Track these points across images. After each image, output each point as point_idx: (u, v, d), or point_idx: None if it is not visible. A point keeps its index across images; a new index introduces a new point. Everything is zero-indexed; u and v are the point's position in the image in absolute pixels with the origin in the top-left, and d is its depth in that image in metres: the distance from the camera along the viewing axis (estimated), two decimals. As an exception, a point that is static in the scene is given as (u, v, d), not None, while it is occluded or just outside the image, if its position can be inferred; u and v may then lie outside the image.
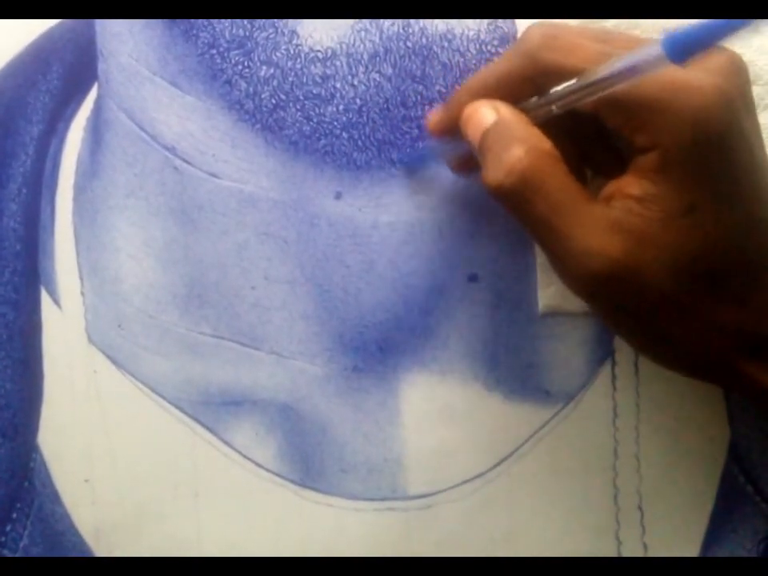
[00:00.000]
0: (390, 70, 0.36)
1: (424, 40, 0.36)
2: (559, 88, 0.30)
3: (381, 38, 0.36)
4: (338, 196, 0.37)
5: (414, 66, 0.36)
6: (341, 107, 0.37)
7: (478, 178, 0.32)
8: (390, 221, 0.37)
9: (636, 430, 0.37)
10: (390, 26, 0.36)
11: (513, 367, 0.37)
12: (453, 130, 0.33)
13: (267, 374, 0.37)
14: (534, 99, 0.31)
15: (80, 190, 0.38)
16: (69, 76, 0.38)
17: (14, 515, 0.38)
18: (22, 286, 0.38)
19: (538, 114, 0.31)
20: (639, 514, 0.37)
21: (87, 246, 0.38)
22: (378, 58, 0.36)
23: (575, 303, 0.35)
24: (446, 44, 0.36)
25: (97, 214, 0.38)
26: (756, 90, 0.34)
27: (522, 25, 0.36)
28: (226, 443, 0.37)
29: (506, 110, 0.31)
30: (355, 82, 0.36)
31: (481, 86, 0.32)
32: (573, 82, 0.29)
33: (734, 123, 0.28)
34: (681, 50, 0.25)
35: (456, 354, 0.37)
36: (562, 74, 0.30)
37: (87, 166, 0.38)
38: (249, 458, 0.37)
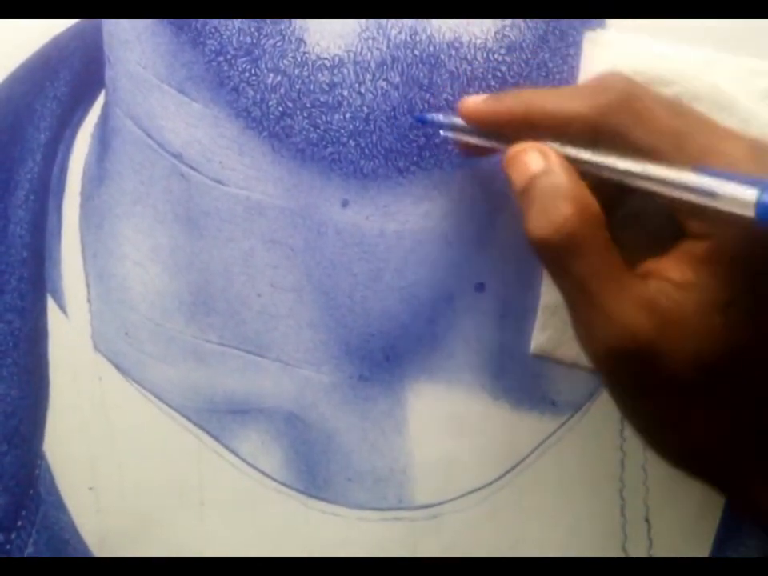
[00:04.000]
0: (398, 78, 0.36)
1: (431, 48, 0.36)
2: (622, 164, 0.29)
3: (388, 46, 0.36)
4: (345, 204, 0.37)
5: (422, 74, 0.36)
6: (348, 115, 0.36)
7: (483, 162, 0.31)
8: (396, 229, 0.37)
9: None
10: (398, 33, 0.36)
11: (519, 377, 0.37)
12: (487, 123, 0.32)
13: (273, 382, 0.37)
14: (588, 154, 0.30)
15: (87, 197, 0.38)
16: (76, 83, 0.38)
17: (20, 523, 0.38)
18: (28, 293, 0.38)
19: (586, 170, 0.30)
20: (646, 526, 0.37)
21: (94, 253, 0.38)
22: (385, 66, 0.36)
23: (567, 354, 0.35)
24: (453, 52, 0.36)
25: (103, 221, 0.38)
26: None
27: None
28: (232, 451, 0.37)
29: (556, 160, 0.30)
30: (362, 90, 0.36)
31: (540, 108, 0.31)
32: (640, 166, 0.28)
33: None
34: None
35: (463, 363, 0.37)
36: (625, 143, 0.29)
37: (94, 173, 0.38)
38: (255, 467, 0.37)
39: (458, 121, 0.34)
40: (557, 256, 0.29)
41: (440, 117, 0.35)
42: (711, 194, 0.25)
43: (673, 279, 0.28)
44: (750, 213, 0.24)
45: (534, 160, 0.30)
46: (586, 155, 0.30)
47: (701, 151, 0.27)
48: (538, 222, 0.29)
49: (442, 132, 0.35)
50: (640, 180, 0.28)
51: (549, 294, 0.36)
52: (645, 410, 0.30)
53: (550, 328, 0.36)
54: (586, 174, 0.30)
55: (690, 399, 0.28)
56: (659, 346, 0.28)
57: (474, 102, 0.33)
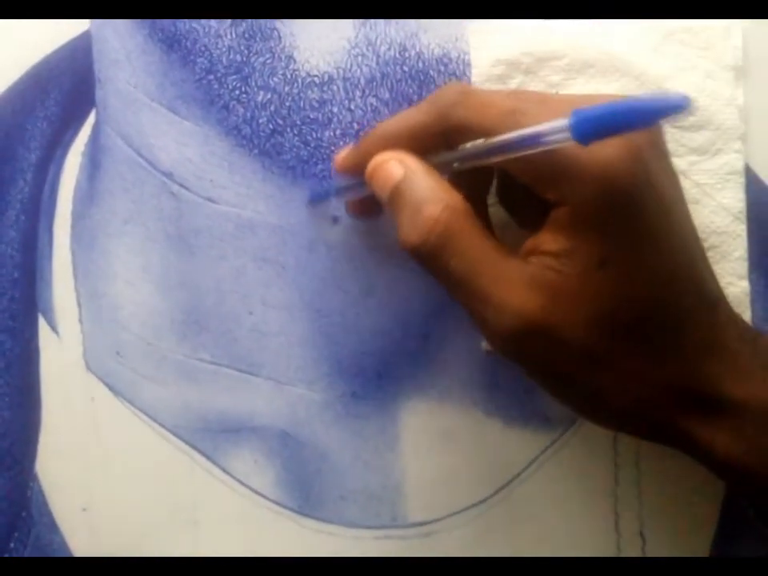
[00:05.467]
0: (387, 95, 0.36)
1: (420, 64, 0.36)
2: (467, 146, 0.30)
3: (377, 63, 0.36)
4: (336, 221, 0.37)
5: (411, 91, 0.36)
6: (338, 132, 0.37)
7: (372, 224, 0.33)
8: (387, 244, 0.37)
9: (636, 455, 0.36)
10: (387, 50, 0.36)
11: (512, 392, 0.37)
12: (359, 172, 0.33)
13: (265, 401, 0.37)
14: (443, 153, 0.31)
15: (78, 216, 0.38)
16: (67, 102, 0.38)
17: (12, 545, 0.37)
18: (19, 313, 0.38)
19: (446, 168, 0.31)
20: (641, 541, 0.36)
21: (85, 272, 0.38)
22: (374, 83, 0.36)
23: None
24: (442, 68, 0.36)
25: (95, 241, 0.38)
26: (706, 135, 0.35)
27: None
28: (225, 471, 0.37)
29: (414, 164, 0.31)
30: (352, 107, 0.36)
31: (392, 133, 0.32)
32: (480, 142, 0.29)
33: (640, 174, 0.28)
34: (587, 132, 0.25)
35: (455, 379, 0.37)
36: (471, 133, 0.30)
37: (85, 192, 0.38)
38: (248, 486, 0.37)
39: (341, 180, 0.35)
40: (433, 259, 0.29)
41: (326, 185, 0.36)
42: (537, 137, 0.27)
43: (550, 250, 0.29)
44: (568, 136, 0.25)
45: (394, 168, 0.31)
46: (442, 153, 0.31)
47: (535, 122, 0.27)
48: (408, 230, 0.30)
49: (334, 199, 0.36)
50: (487, 154, 0.29)
51: None
52: (561, 384, 0.30)
53: None
54: (451, 175, 0.31)
55: (594, 363, 0.29)
56: (551, 319, 0.28)
57: (341, 154, 0.34)
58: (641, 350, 0.29)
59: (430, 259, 0.30)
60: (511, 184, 0.32)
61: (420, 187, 0.30)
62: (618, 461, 0.36)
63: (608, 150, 0.28)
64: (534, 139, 0.27)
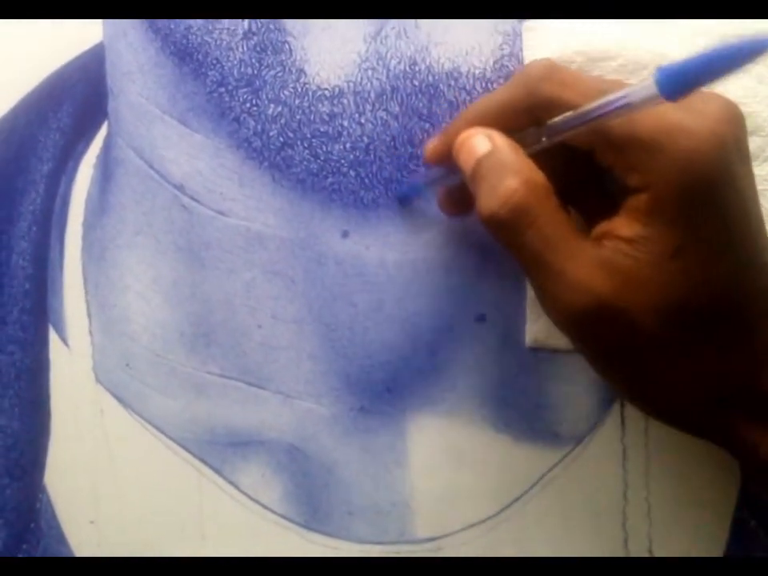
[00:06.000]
0: (397, 108, 0.36)
1: (430, 78, 0.36)
2: (555, 120, 0.30)
3: (387, 77, 0.36)
4: (346, 234, 0.37)
5: (421, 104, 0.36)
6: (348, 145, 0.37)
7: (466, 220, 0.32)
8: (397, 259, 0.36)
9: (646, 473, 0.36)
10: (397, 64, 0.36)
11: (521, 408, 0.36)
12: (449, 158, 0.33)
13: (274, 414, 0.37)
14: (530, 130, 0.31)
15: (89, 227, 0.38)
16: (79, 114, 0.38)
17: (20, 557, 0.37)
18: (30, 324, 0.38)
19: (532, 145, 0.31)
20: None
21: (96, 284, 0.38)
22: (384, 96, 0.36)
23: (562, 339, 0.35)
24: (452, 82, 0.36)
25: (105, 252, 0.38)
26: (757, 142, 0.35)
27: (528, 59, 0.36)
28: (233, 484, 0.37)
29: (500, 139, 0.31)
30: (362, 120, 0.36)
31: (478, 114, 0.32)
32: (568, 114, 0.30)
33: (725, 169, 0.28)
34: (674, 86, 0.25)
35: (464, 394, 0.37)
36: (559, 107, 0.30)
37: (96, 203, 0.38)
38: (255, 500, 0.37)
39: (431, 172, 0.35)
40: (508, 230, 0.30)
41: (414, 179, 0.36)
42: (626, 103, 0.27)
43: (624, 236, 0.29)
44: (656, 94, 0.25)
45: (480, 143, 0.31)
46: (529, 130, 0.31)
47: None
48: (487, 199, 0.30)
49: (421, 194, 0.36)
50: (576, 126, 0.29)
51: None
52: (620, 370, 0.30)
53: (539, 320, 0.36)
54: (534, 155, 0.31)
55: (660, 351, 0.29)
56: (622, 303, 0.28)
57: (429, 143, 0.35)
58: (708, 343, 0.29)
59: (505, 228, 0.30)
60: (579, 173, 0.32)
61: (504, 160, 0.30)
62: (627, 478, 0.36)
63: (694, 140, 0.28)
64: (621, 101, 0.27)
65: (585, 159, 0.31)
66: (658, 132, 0.28)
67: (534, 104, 0.31)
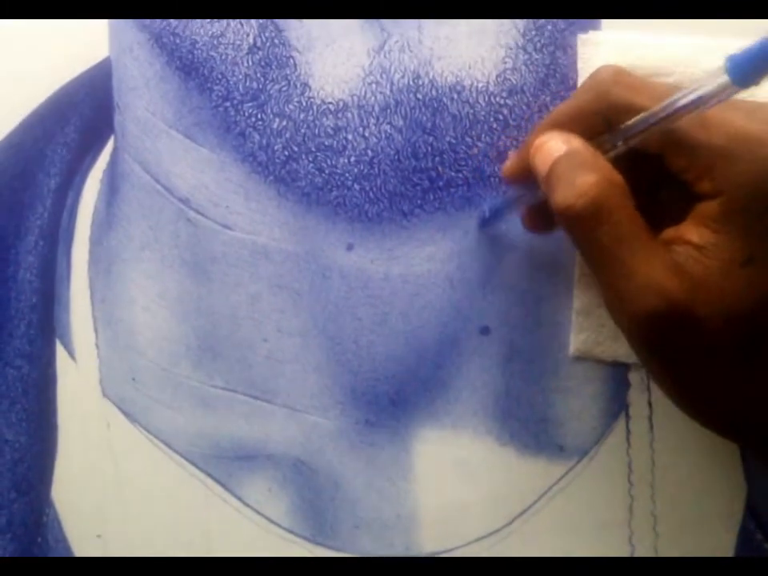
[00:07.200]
0: (401, 122, 0.36)
1: (434, 92, 0.36)
2: (628, 123, 0.30)
3: (391, 90, 0.36)
4: (350, 248, 0.37)
5: (425, 118, 0.36)
6: (352, 159, 0.37)
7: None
8: (401, 273, 0.37)
9: (651, 486, 0.36)
10: (401, 78, 0.36)
11: (526, 421, 0.36)
12: (528, 175, 0.33)
13: (279, 428, 0.37)
14: (604, 136, 0.31)
15: (96, 242, 0.38)
16: (86, 129, 0.39)
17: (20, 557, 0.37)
18: (37, 338, 0.38)
19: (607, 150, 0.31)
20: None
21: (102, 298, 0.38)
22: (388, 110, 0.36)
23: (606, 351, 0.35)
24: (455, 95, 0.36)
25: (112, 266, 0.38)
26: None
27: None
28: (239, 499, 0.37)
29: (577, 141, 0.31)
30: (366, 134, 0.37)
31: (552, 124, 0.32)
32: (641, 115, 0.29)
33: None
34: (745, 72, 0.25)
35: (469, 408, 0.37)
36: (631, 111, 0.30)
37: (103, 218, 0.38)
38: (261, 514, 0.37)
39: (512, 193, 0.35)
40: (584, 223, 0.29)
41: (495, 203, 0.36)
42: (699, 97, 0.27)
43: (694, 242, 0.29)
44: (728, 84, 0.25)
45: (557, 145, 0.31)
46: (604, 136, 0.31)
47: None
48: (563, 193, 0.29)
49: (505, 215, 0.36)
50: (649, 127, 0.29)
51: (581, 298, 0.36)
52: (684, 377, 0.30)
53: (586, 330, 0.36)
54: (611, 157, 0.31)
55: (727, 361, 0.28)
56: (693, 309, 0.28)
57: (507, 164, 0.35)
58: None
59: (579, 223, 0.29)
60: (646, 178, 0.32)
61: (582, 159, 0.30)
62: (632, 492, 0.36)
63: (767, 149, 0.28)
64: (694, 95, 0.27)
65: (653, 165, 0.31)
66: (734, 140, 0.28)
67: (606, 108, 0.31)
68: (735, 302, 0.28)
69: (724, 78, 0.25)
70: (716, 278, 0.28)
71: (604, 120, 0.31)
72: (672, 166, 0.30)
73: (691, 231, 0.29)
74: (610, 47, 0.36)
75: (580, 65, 0.36)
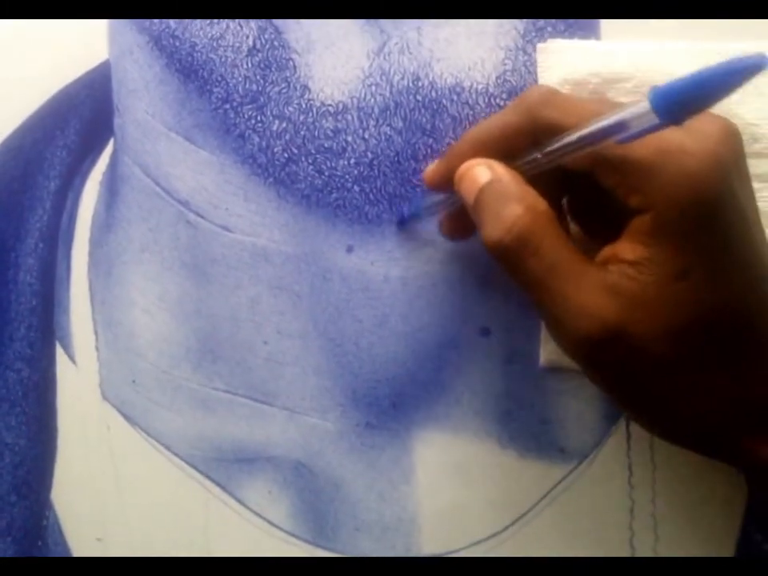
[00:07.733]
0: (401, 124, 0.36)
1: (434, 93, 0.36)
2: (552, 142, 0.30)
3: (391, 92, 0.36)
4: (350, 249, 0.37)
5: (424, 120, 0.36)
6: (352, 161, 0.37)
7: (467, 243, 0.32)
8: (401, 275, 0.36)
9: (652, 488, 0.36)
10: (400, 79, 0.36)
11: (526, 424, 0.36)
12: (450, 182, 0.33)
13: (280, 430, 0.37)
14: (531, 154, 0.31)
15: (95, 244, 0.38)
16: (86, 131, 0.39)
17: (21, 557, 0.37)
18: (37, 341, 0.38)
19: (531, 169, 0.31)
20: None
21: (102, 300, 0.38)
22: (388, 112, 0.36)
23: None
24: (455, 97, 0.36)
25: (112, 269, 0.38)
26: (755, 148, 0.34)
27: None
28: (239, 501, 0.37)
29: (501, 169, 0.31)
30: (366, 136, 0.36)
31: (479, 139, 0.33)
32: (564, 135, 0.29)
33: (726, 190, 0.28)
34: (670, 106, 0.24)
35: (469, 410, 0.36)
36: (558, 131, 0.30)
37: (103, 220, 0.38)
38: (262, 517, 0.37)
39: (430, 196, 0.35)
40: (513, 257, 0.30)
41: (414, 205, 0.36)
42: (621, 123, 0.26)
43: (629, 259, 0.29)
44: (653, 116, 0.25)
45: (482, 173, 0.31)
46: (530, 156, 0.31)
47: None
48: (491, 227, 0.30)
49: (422, 217, 0.36)
50: (574, 147, 0.29)
51: None
52: (629, 392, 0.30)
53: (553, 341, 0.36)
54: (534, 180, 0.31)
55: (668, 372, 0.29)
56: (629, 327, 0.28)
57: (429, 168, 0.35)
58: (719, 362, 0.29)
59: (509, 256, 0.30)
60: (584, 195, 0.32)
61: (505, 189, 0.30)
62: (633, 494, 0.36)
63: (695, 161, 0.28)
64: (619, 125, 0.26)
65: (590, 182, 0.31)
66: (659, 153, 0.28)
67: (535, 127, 0.31)
68: (674, 316, 0.28)
69: (646, 106, 0.25)
70: (652, 293, 0.28)
71: (531, 139, 0.31)
72: (603, 183, 0.30)
73: (626, 248, 0.29)
74: (569, 55, 0.36)
75: (540, 72, 0.36)
